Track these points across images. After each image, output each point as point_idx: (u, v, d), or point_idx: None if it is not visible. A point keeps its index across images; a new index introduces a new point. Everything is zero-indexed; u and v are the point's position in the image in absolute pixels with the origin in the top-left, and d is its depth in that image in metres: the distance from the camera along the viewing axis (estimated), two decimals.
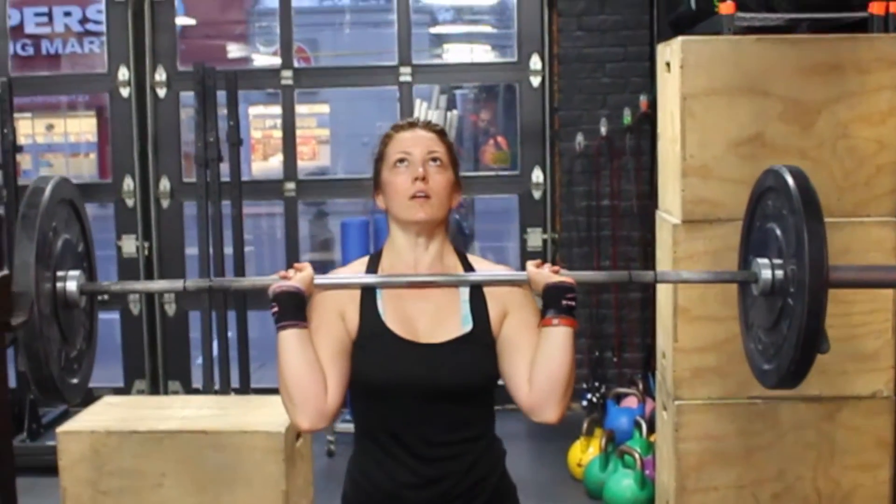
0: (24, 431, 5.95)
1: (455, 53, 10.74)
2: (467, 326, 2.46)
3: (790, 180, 2.35)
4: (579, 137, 6.35)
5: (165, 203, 6.83)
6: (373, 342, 2.43)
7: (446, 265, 2.52)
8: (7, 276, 2.07)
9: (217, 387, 5.79)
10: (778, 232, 2.41)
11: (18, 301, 2.08)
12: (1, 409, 2.22)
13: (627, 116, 6.25)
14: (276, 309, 2.36)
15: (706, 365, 3.74)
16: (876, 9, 4.19)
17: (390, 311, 2.46)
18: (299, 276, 2.39)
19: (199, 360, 6.07)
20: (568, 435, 5.64)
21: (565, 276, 2.42)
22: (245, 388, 5.90)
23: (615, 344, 6.43)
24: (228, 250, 5.88)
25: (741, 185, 3.61)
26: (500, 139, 9.21)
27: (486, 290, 2.50)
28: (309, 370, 2.35)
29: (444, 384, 2.40)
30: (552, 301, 2.38)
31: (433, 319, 2.46)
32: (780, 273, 2.38)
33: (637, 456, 4.97)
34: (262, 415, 4.01)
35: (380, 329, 2.43)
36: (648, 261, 5.35)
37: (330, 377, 2.38)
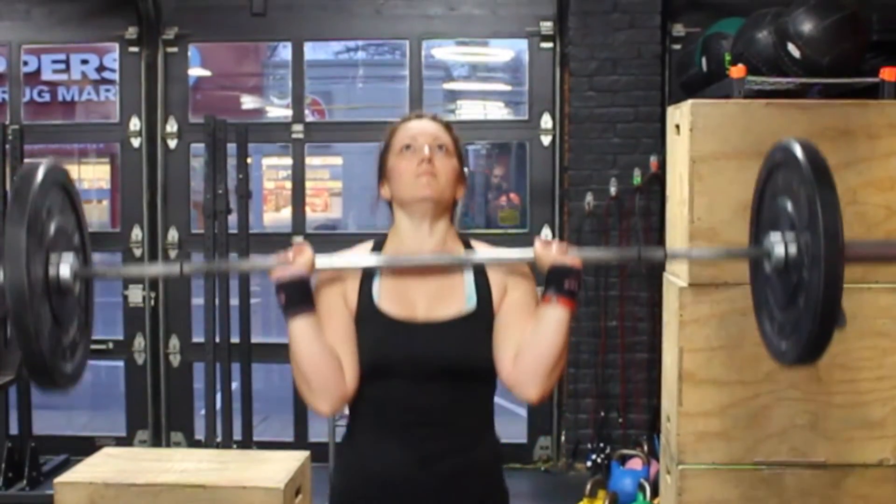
0: (24, 479, 5.92)
1: (468, 109, 10.78)
2: (471, 305, 2.45)
3: (799, 151, 2.28)
4: (589, 197, 6.35)
5: (173, 253, 6.82)
6: (364, 325, 2.43)
7: (449, 249, 2.51)
8: None
9: (219, 439, 5.76)
10: (789, 206, 2.33)
11: (7, 360, 2.05)
12: None
13: (637, 177, 6.25)
14: (282, 299, 2.36)
15: (711, 429, 3.71)
16: (887, 75, 4.21)
17: (386, 293, 2.45)
18: (301, 261, 2.37)
19: (203, 412, 6.03)
20: (571, 496, 5.59)
21: (572, 257, 2.38)
22: (247, 441, 5.86)
23: (621, 404, 6.39)
24: (235, 302, 5.87)
25: None
26: (512, 196, 9.21)
27: (490, 269, 2.50)
28: (323, 355, 2.36)
29: (444, 360, 2.39)
30: (554, 281, 2.36)
31: (434, 299, 2.45)
32: (793, 248, 2.30)
33: None
34: (262, 470, 3.97)
35: (371, 311, 2.44)
36: (656, 322, 5.32)
37: (344, 359, 2.39)
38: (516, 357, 2.37)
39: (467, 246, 2.54)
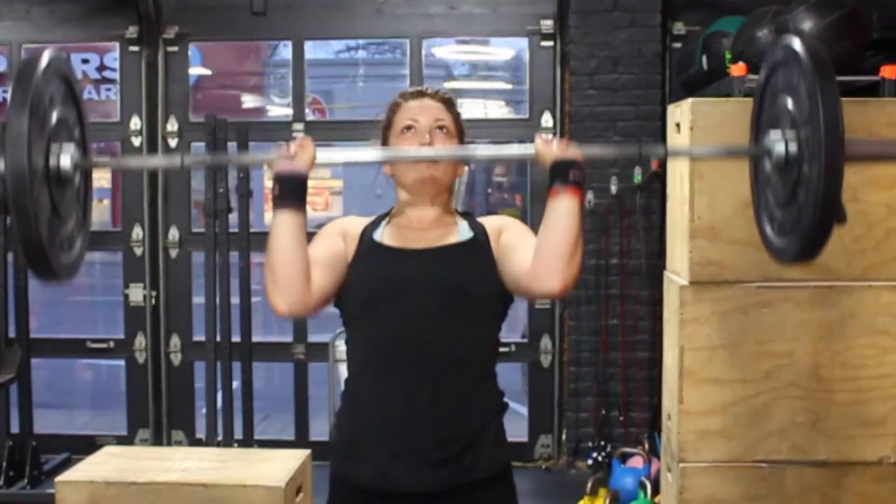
0: (25, 478, 5.92)
1: (469, 108, 10.76)
2: (466, 236, 2.53)
3: (800, 47, 2.26)
4: (589, 195, 6.34)
5: (174, 253, 6.82)
6: (363, 258, 2.50)
7: (447, 223, 2.57)
8: None
9: (220, 438, 5.76)
10: (790, 103, 2.32)
11: (7, 358, 2.05)
12: None
13: (638, 175, 6.24)
14: (276, 190, 2.38)
15: (712, 428, 3.71)
16: (887, 73, 4.20)
17: (389, 237, 2.54)
18: (302, 158, 2.39)
19: (204, 411, 6.04)
20: (572, 494, 5.59)
21: (573, 152, 2.39)
22: (248, 439, 5.86)
23: (621, 403, 6.39)
24: (235, 300, 5.87)
25: (749, 247, 3.60)
26: (515, 196, 9.20)
27: (484, 221, 2.59)
28: (296, 255, 2.37)
29: (441, 281, 2.44)
30: (559, 174, 2.36)
31: (433, 240, 2.52)
32: (793, 145, 2.30)
33: None
34: (263, 469, 3.97)
35: (372, 246, 2.51)
36: (657, 320, 5.32)
37: (316, 275, 2.41)
38: (534, 255, 2.37)
39: (470, 221, 2.60)
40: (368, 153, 2.52)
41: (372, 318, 2.45)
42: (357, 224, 2.58)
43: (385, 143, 2.60)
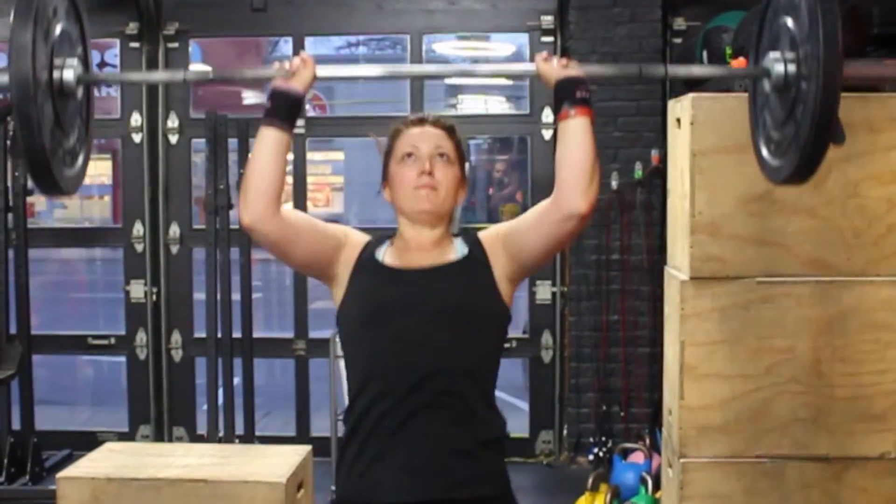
0: (27, 474, 5.92)
1: (470, 104, 10.77)
2: (463, 252, 2.53)
3: None
4: None
5: (175, 249, 6.82)
6: (366, 275, 2.50)
7: (446, 249, 2.56)
8: None
9: (221, 434, 5.77)
10: (789, 22, 2.34)
11: (8, 354, 2.06)
12: None
13: (639, 170, 6.25)
14: (268, 104, 2.41)
15: (712, 423, 3.71)
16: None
17: (389, 257, 2.54)
18: (301, 78, 2.42)
19: (205, 407, 6.04)
20: (573, 489, 5.58)
21: (575, 69, 2.41)
22: (249, 436, 5.87)
23: (622, 398, 6.39)
24: (236, 296, 5.88)
25: (750, 243, 3.61)
26: (517, 193, 9.19)
27: (480, 236, 2.57)
28: (272, 170, 2.40)
29: (440, 301, 2.43)
30: (566, 94, 2.38)
31: (431, 258, 2.52)
32: (792, 66, 2.32)
33: None
34: (264, 465, 3.98)
35: (375, 265, 2.51)
36: (658, 316, 5.32)
37: (300, 219, 2.49)
38: (557, 182, 2.39)
39: (466, 237, 2.59)
40: (369, 69, 2.55)
41: (371, 337, 2.44)
42: (361, 236, 2.60)
43: (386, 169, 2.60)
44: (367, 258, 2.53)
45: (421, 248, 2.54)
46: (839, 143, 2.22)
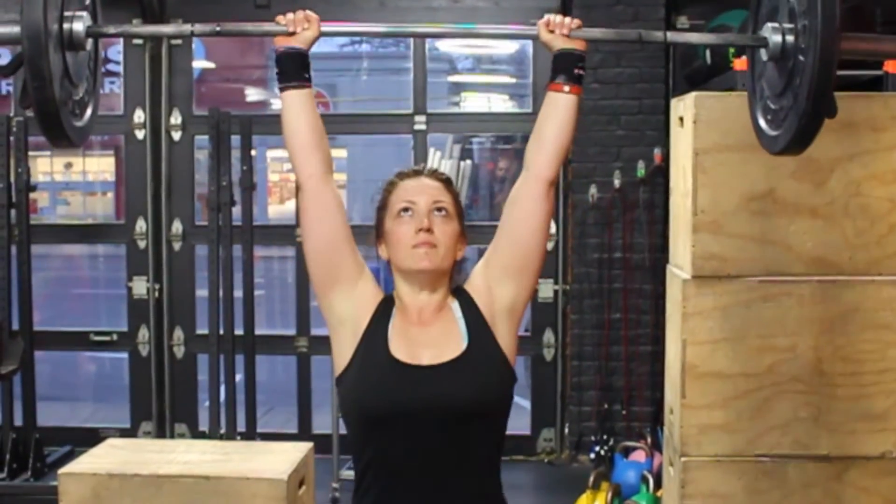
0: (29, 470, 5.93)
1: (473, 101, 10.76)
2: (465, 343, 2.42)
3: None
4: (592, 189, 6.35)
5: (177, 245, 6.83)
6: (374, 357, 2.39)
7: (447, 315, 2.47)
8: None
9: (223, 430, 5.77)
10: None
11: (10, 350, 2.06)
12: None
13: (641, 169, 6.25)
14: (278, 71, 2.39)
15: (714, 422, 3.71)
16: (891, 67, 4.19)
17: (396, 338, 2.41)
18: (305, 36, 2.40)
19: (207, 403, 6.05)
20: (574, 488, 5.58)
21: (576, 41, 2.44)
22: (251, 432, 5.88)
23: (624, 397, 6.39)
24: (239, 293, 5.88)
25: (752, 242, 3.60)
26: None
27: (470, 291, 2.49)
28: (309, 123, 2.41)
29: (450, 406, 2.34)
30: (564, 68, 2.42)
31: (437, 343, 2.41)
32: (790, 37, 2.34)
33: None
34: (265, 462, 3.98)
35: (384, 352, 2.39)
36: (660, 314, 5.33)
37: (336, 194, 2.47)
38: (532, 145, 2.45)
39: (457, 295, 2.50)
40: (373, 27, 2.55)
41: (381, 439, 2.36)
42: (377, 287, 2.50)
43: (380, 224, 2.51)
44: (379, 328, 2.42)
45: (423, 322, 2.44)
46: (832, 115, 2.25)
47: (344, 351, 2.44)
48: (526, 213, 2.45)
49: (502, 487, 2.49)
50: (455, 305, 2.47)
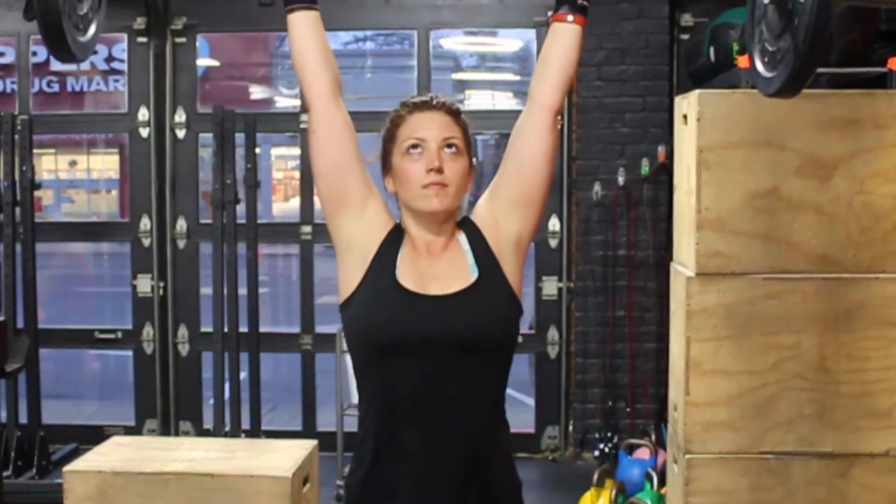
0: (33, 468, 5.94)
1: (477, 99, 10.77)
2: (474, 275, 2.40)
3: None
4: (597, 187, 6.35)
5: (181, 243, 6.84)
6: (382, 286, 2.37)
7: (455, 247, 2.45)
8: (3, 322, 2.07)
9: (228, 428, 5.78)
10: None
11: (15, 348, 2.07)
12: None
13: (645, 167, 6.25)
14: None
15: (718, 419, 3.71)
16: (895, 65, 4.19)
17: (404, 267, 2.39)
18: None
19: (211, 401, 6.05)
20: (579, 485, 5.59)
21: None
22: (256, 430, 5.88)
23: (628, 394, 6.39)
24: (243, 291, 5.89)
25: (756, 239, 3.60)
26: None
27: (477, 222, 2.47)
28: (317, 44, 2.43)
29: (457, 337, 2.33)
30: None
31: (445, 275, 2.39)
32: None
33: None
34: (270, 459, 3.98)
35: (391, 280, 2.37)
36: (664, 311, 5.33)
37: (345, 115, 2.47)
38: (539, 75, 2.48)
39: (464, 226, 2.49)
40: None
41: (387, 370, 2.35)
42: (389, 213, 2.47)
43: (386, 157, 2.45)
44: (388, 256, 2.40)
45: (431, 254, 2.42)
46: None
47: (351, 276, 2.41)
48: (531, 144, 2.45)
49: (509, 427, 2.49)
50: (462, 237, 2.46)
